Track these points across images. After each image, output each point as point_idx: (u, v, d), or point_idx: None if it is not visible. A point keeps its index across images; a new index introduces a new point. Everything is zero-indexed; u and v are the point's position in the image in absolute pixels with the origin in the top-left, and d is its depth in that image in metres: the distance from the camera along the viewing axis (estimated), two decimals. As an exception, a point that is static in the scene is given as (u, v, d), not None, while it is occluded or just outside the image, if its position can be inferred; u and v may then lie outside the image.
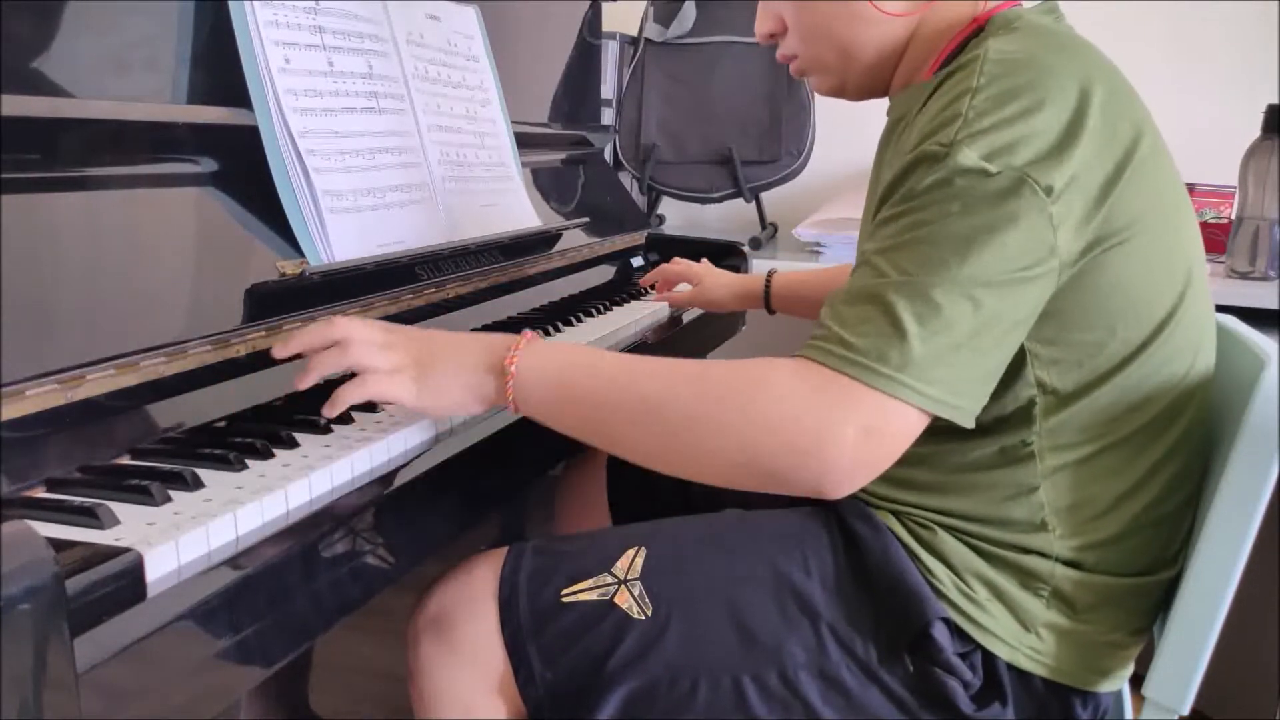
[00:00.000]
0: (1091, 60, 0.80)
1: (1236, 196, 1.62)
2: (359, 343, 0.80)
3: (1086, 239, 0.76)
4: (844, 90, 0.95)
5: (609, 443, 0.83)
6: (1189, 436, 0.83)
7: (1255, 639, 1.64)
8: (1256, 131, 1.59)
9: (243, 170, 0.93)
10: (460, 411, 0.84)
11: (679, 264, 1.45)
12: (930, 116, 0.79)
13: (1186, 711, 0.78)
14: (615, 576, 0.86)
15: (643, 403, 0.79)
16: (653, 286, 1.48)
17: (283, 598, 0.66)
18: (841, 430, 0.73)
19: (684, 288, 1.44)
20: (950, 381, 0.73)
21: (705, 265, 1.44)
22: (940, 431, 0.83)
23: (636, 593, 0.85)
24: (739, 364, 0.79)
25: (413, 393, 0.81)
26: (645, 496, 1.16)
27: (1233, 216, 1.64)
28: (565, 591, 0.86)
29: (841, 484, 0.75)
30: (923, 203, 0.75)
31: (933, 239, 0.74)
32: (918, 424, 0.75)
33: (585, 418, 0.81)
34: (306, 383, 0.80)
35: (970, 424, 0.76)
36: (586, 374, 0.81)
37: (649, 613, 0.84)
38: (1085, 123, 0.75)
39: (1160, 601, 0.86)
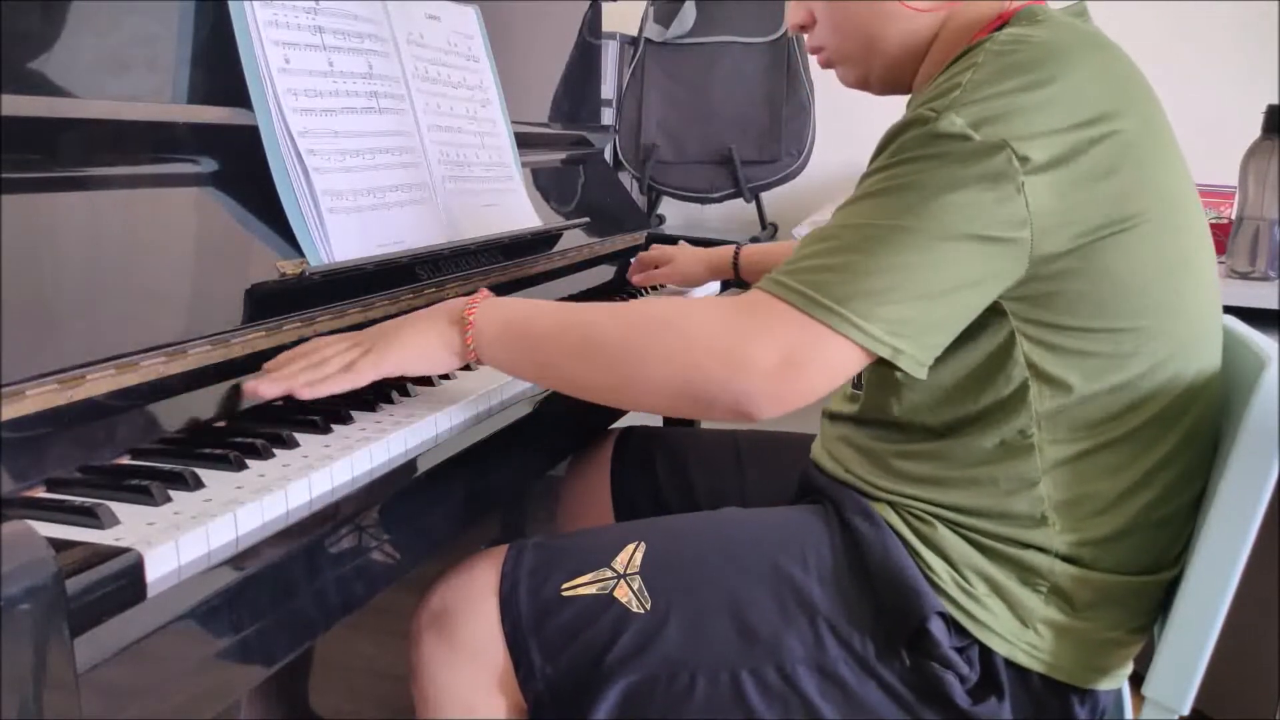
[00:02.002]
0: (1109, 64, 0.81)
1: (1236, 196, 1.62)
2: (322, 346, 0.87)
3: (1073, 228, 0.76)
4: (868, 83, 0.97)
5: (559, 381, 0.88)
6: (1194, 436, 0.83)
7: (1255, 639, 1.64)
8: (1256, 131, 1.59)
9: (243, 170, 0.93)
10: (435, 362, 0.88)
11: (655, 249, 1.50)
12: (934, 89, 0.80)
13: (1186, 711, 0.78)
14: (615, 571, 0.87)
15: (584, 339, 0.84)
16: (653, 288, 1.49)
17: (283, 598, 0.66)
18: (763, 352, 0.76)
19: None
20: (892, 322, 0.75)
21: (679, 246, 1.49)
22: (944, 427, 0.84)
23: (636, 587, 0.85)
24: (676, 299, 0.81)
25: (380, 358, 0.85)
26: (649, 495, 1.17)
27: (1233, 216, 1.64)
28: (565, 586, 0.87)
29: (763, 406, 0.77)
30: (899, 159, 0.77)
31: (898, 189, 0.76)
32: (853, 361, 0.77)
33: (536, 360, 0.87)
34: (273, 391, 0.82)
35: (920, 374, 0.77)
36: (535, 319, 0.87)
37: (648, 607, 0.84)
38: (1082, 124, 0.75)
39: (1160, 601, 0.86)
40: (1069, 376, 0.80)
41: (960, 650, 0.82)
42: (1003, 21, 0.85)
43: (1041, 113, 0.75)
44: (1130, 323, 0.79)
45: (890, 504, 0.87)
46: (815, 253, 0.78)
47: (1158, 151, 0.80)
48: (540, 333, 0.86)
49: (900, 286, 0.74)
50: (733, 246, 1.43)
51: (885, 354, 0.75)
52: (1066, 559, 0.82)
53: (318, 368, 0.84)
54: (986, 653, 0.82)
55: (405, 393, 0.91)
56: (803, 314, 0.75)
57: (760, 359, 0.76)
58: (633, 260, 1.52)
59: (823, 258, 0.77)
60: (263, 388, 0.81)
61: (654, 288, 1.51)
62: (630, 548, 0.88)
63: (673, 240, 1.55)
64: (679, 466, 1.17)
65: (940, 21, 0.89)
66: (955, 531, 0.84)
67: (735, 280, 1.45)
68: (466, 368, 0.96)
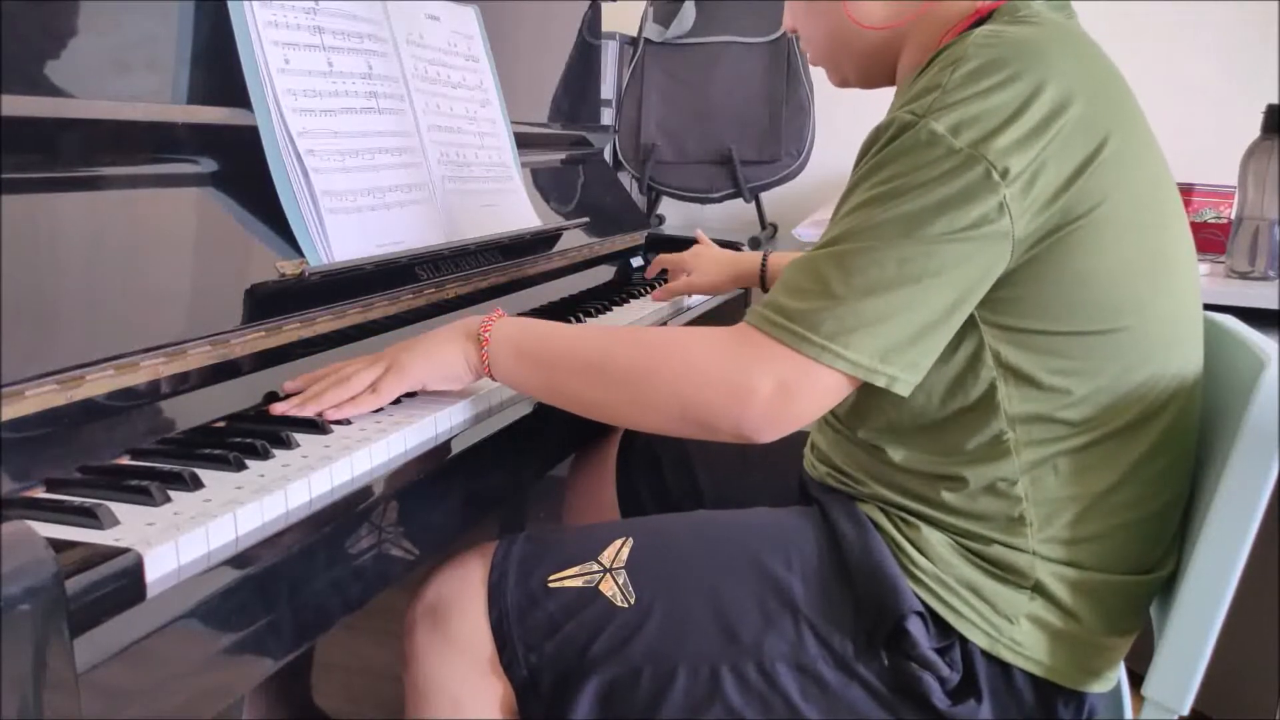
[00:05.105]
0: (1087, 61, 0.80)
1: (1236, 196, 1.62)
2: (344, 366, 0.89)
3: (1043, 225, 0.77)
4: (847, 82, 0.99)
5: (568, 401, 0.90)
6: (1173, 435, 0.83)
7: (1255, 639, 1.64)
8: (1256, 131, 1.59)
9: (243, 170, 0.93)
10: (453, 378, 0.91)
11: (668, 257, 1.49)
12: (916, 89, 0.80)
13: (1186, 711, 0.78)
14: (601, 565, 0.88)
15: (589, 363, 0.87)
16: (659, 279, 1.48)
17: (283, 598, 0.66)
18: (758, 385, 0.79)
19: None
20: (881, 351, 0.77)
21: (695, 250, 1.47)
22: (924, 431, 0.84)
23: (621, 581, 0.86)
24: (679, 328, 0.87)
25: (401, 376, 0.88)
26: (655, 496, 1.17)
27: (1232, 216, 1.64)
28: (552, 578, 0.88)
29: (762, 431, 0.81)
30: (883, 164, 0.78)
31: (884, 206, 0.77)
32: (845, 386, 0.80)
33: (546, 380, 0.89)
34: (302, 415, 0.83)
35: (905, 392, 0.79)
36: (546, 340, 0.90)
37: (632, 601, 0.85)
38: (1058, 121, 0.75)
39: (1147, 602, 0.86)
40: (1041, 379, 0.80)
41: (943, 651, 0.82)
42: (980, 16, 0.85)
43: (1018, 115, 0.75)
44: (1100, 324, 0.79)
45: (878, 505, 0.88)
46: (803, 289, 0.79)
47: (1131, 150, 0.80)
48: (551, 355, 0.89)
49: (888, 316, 0.76)
50: (759, 254, 1.41)
51: (878, 382, 0.77)
52: (1047, 558, 0.82)
53: (343, 388, 0.85)
54: (969, 653, 0.82)
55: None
56: (795, 351, 0.78)
57: (758, 389, 0.79)
58: (637, 261, 1.51)
59: (810, 289, 0.78)
60: (292, 412, 0.83)
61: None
62: (618, 543, 0.89)
63: (672, 240, 1.54)
64: (685, 467, 1.17)
65: (906, 25, 0.89)
66: (939, 530, 0.84)
67: (762, 289, 1.41)
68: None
